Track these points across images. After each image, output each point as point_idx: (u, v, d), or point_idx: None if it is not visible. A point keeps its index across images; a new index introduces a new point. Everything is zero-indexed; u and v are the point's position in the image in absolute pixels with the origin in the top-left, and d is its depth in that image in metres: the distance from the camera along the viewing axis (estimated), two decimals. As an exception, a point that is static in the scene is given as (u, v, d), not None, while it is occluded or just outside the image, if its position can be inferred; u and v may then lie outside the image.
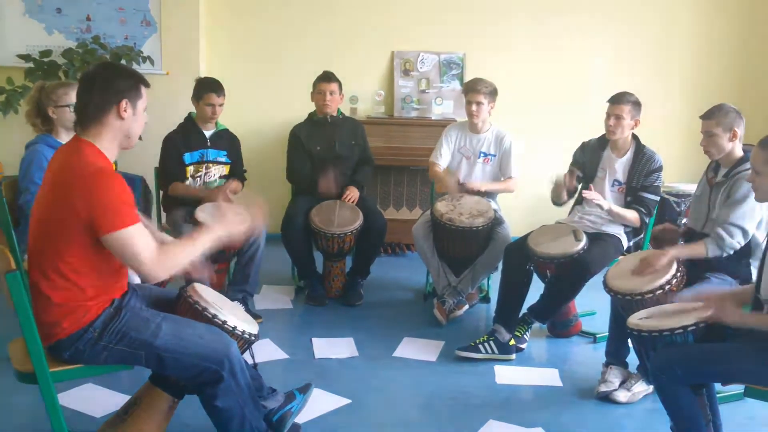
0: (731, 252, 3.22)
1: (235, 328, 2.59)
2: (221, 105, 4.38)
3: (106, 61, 2.51)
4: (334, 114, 4.78)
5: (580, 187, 4.12)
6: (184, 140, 4.36)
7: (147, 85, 2.50)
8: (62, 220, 2.28)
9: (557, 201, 4.10)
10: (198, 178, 4.37)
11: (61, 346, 2.37)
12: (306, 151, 4.70)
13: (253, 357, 2.79)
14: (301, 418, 2.99)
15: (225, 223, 2.55)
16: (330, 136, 4.71)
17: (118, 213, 2.27)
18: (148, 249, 2.31)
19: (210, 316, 2.56)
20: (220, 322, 2.56)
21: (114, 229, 2.26)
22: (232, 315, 2.64)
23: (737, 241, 3.20)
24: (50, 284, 2.33)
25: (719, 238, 3.21)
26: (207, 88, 4.34)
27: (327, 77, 4.72)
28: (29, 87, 4.93)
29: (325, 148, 4.69)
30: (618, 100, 3.89)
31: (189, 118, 4.46)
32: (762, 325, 2.55)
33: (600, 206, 3.82)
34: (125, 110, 2.38)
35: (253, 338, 2.68)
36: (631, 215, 3.89)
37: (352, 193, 4.67)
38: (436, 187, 4.78)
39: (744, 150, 3.32)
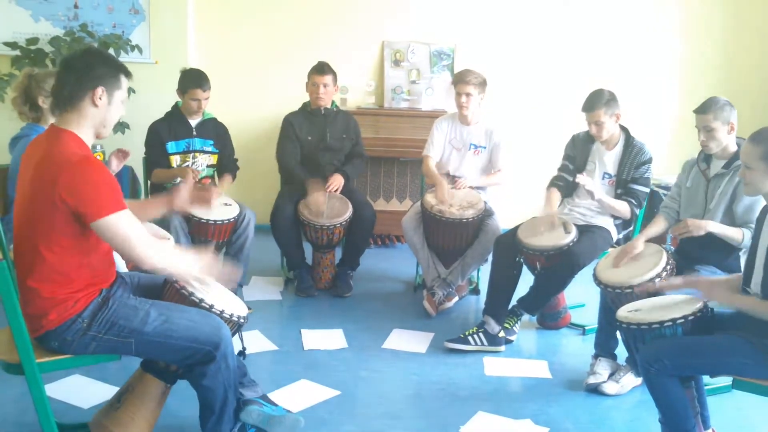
0: None
1: (222, 311, 2.58)
2: (207, 99, 4.32)
3: (91, 46, 2.48)
4: (328, 106, 4.74)
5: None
6: (170, 129, 4.33)
7: (128, 75, 2.46)
8: (47, 211, 2.26)
9: None
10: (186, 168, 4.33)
11: (48, 337, 2.35)
12: (298, 139, 4.67)
13: (242, 340, 2.77)
14: (290, 410, 2.98)
15: (198, 269, 2.53)
16: (322, 128, 4.68)
17: (103, 199, 2.26)
18: (139, 233, 2.32)
19: (197, 300, 2.55)
20: (207, 306, 2.55)
21: (100, 215, 2.25)
22: (219, 299, 2.63)
23: None
24: (37, 276, 2.31)
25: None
26: (192, 83, 4.27)
27: (321, 69, 4.64)
28: (15, 75, 4.87)
29: (317, 138, 4.66)
30: (591, 107, 3.81)
31: (175, 107, 4.42)
32: (749, 307, 2.56)
33: (591, 193, 3.79)
34: (100, 98, 2.35)
35: (242, 320, 2.67)
36: (622, 207, 3.88)
37: (335, 181, 4.61)
38: (426, 180, 4.77)
39: (737, 143, 3.30)
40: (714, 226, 3.17)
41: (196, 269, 2.51)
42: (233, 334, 2.63)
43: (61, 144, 2.30)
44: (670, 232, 3.32)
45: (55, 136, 2.33)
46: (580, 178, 3.80)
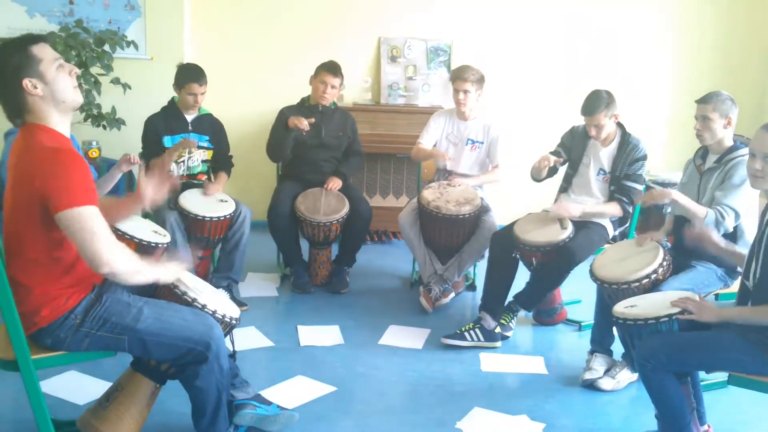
0: (722, 233, 3.19)
1: (215, 312, 2.57)
2: (203, 93, 4.31)
3: None
4: (327, 105, 4.73)
5: (564, 171, 4.12)
6: (166, 124, 4.32)
7: (38, 40, 2.31)
8: (29, 207, 2.23)
9: (537, 177, 4.10)
10: (181, 163, 4.33)
11: (41, 334, 2.34)
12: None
13: (233, 343, 2.76)
14: (286, 406, 2.98)
15: (172, 272, 2.49)
16: (318, 124, 4.66)
17: (71, 191, 2.18)
18: (106, 233, 2.22)
19: (190, 300, 2.54)
20: (200, 306, 2.55)
21: (66, 206, 2.17)
22: (212, 299, 2.63)
23: (730, 223, 3.18)
24: (27, 273, 2.29)
25: (719, 214, 3.17)
26: (188, 78, 4.26)
27: (333, 70, 4.60)
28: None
29: (311, 134, 4.63)
30: (591, 111, 3.78)
31: (172, 102, 4.41)
32: (741, 317, 2.57)
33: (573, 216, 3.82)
34: (35, 87, 2.26)
35: (234, 322, 2.66)
36: (610, 209, 3.87)
37: (334, 183, 4.64)
38: (423, 173, 4.78)
39: (734, 139, 3.31)
40: (678, 195, 3.24)
41: (166, 275, 2.46)
42: (225, 335, 2.62)
43: (34, 138, 2.26)
44: (638, 201, 3.42)
45: (29, 133, 2.29)
46: (552, 209, 3.86)
